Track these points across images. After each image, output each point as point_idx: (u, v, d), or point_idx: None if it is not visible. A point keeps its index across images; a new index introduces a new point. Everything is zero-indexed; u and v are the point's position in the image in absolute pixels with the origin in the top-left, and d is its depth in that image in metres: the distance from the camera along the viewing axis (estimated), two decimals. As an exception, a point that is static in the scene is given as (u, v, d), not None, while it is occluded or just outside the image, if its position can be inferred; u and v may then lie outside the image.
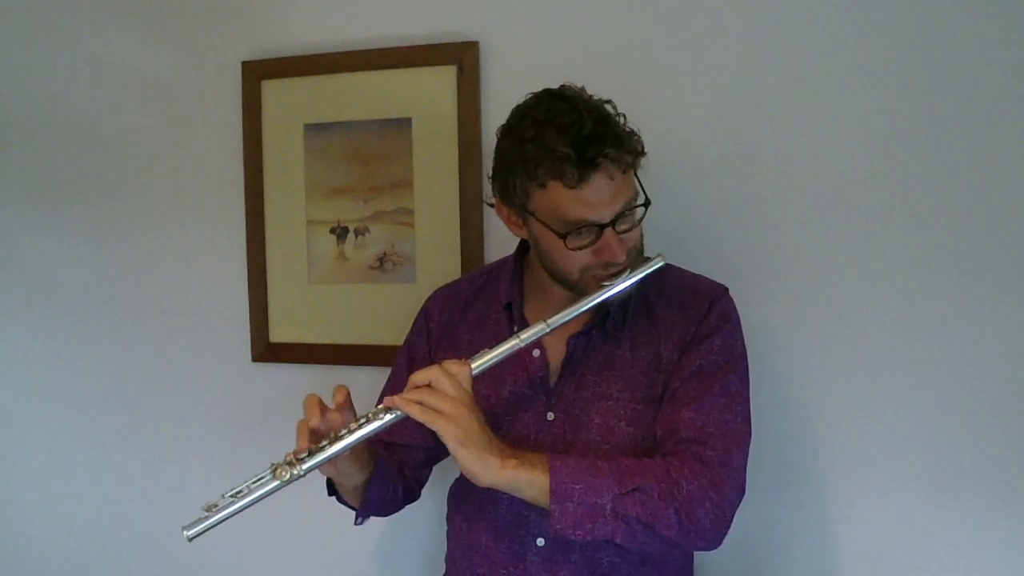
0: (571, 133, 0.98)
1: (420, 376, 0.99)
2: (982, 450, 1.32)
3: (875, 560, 1.38)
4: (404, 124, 1.54)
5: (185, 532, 0.96)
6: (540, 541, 1.11)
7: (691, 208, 1.40)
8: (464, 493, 1.20)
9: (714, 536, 1.00)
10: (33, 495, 1.86)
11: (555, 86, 1.09)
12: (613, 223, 1.01)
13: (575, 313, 1.04)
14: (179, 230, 1.71)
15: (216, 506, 0.97)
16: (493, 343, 1.07)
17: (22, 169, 1.79)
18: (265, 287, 1.65)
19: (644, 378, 1.10)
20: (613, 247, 1.02)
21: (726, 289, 1.16)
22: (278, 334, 1.65)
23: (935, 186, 1.31)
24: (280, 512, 1.00)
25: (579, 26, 1.44)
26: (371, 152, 1.56)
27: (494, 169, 1.09)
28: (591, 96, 1.05)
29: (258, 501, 0.98)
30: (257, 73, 1.61)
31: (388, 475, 1.18)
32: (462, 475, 0.99)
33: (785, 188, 1.38)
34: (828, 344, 1.37)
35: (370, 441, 1.02)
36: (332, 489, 1.18)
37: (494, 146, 1.09)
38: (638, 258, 1.07)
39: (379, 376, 1.39)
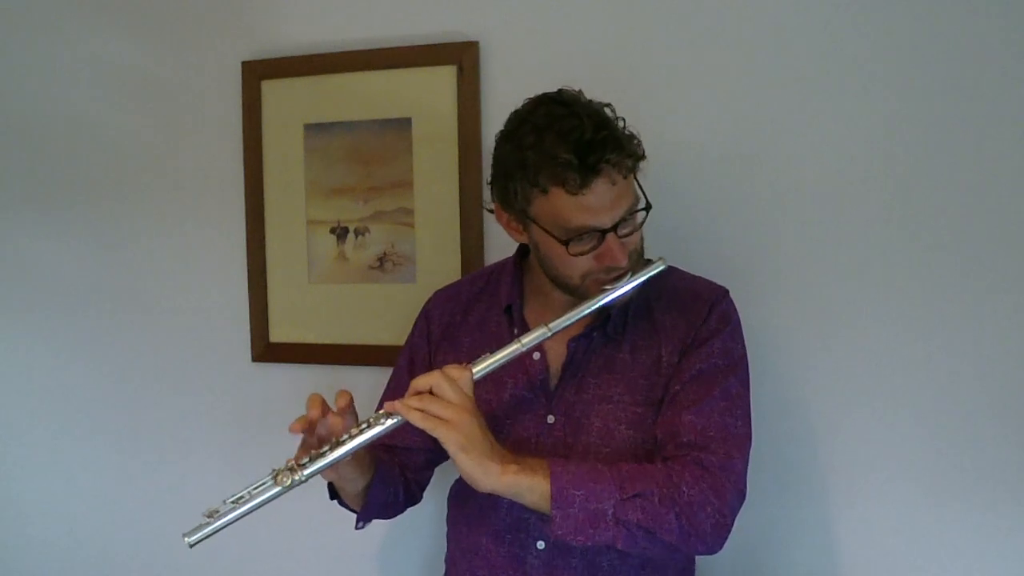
0: (572, 139, 0.98)
1: (421, 381, 0.99)
2: (982, 450, 1.32)
3: (875, 560, 1.38)
4: (404, 124, 1.54)
5: (186, 539, 0.96)
6: (540, 544, 1.11)
7: (691, 209, 1.40)
8: (464, 496, 1.20)
9: (715, 541, 1.00)
10: (33, 495, 1.86)
11: (555, 86, 1.09)
12: (615, 228, 1.01)
13: (576, 317, 1.04)
14: (179, 230, 1.71)
15: (217, 512, 0.97)
16: (493, 346, 1.06)
17: (22, 169, 1.79)
18: (265, 287, 1.65)
19: (644, 381, 1.10)
20: (615, 252, 1.02)
21: (726, 291, 1.16)
22: (278, 334, 1.65)
23: (935, 186, 1.31)
24: (281, 513, 1.00)
25: (579, 26, 1.44)
26: (371, 152, 1.56)
27: (493, 175, 1.08)
28: (590, 100, 1.04)
29: (259, 507, 0.98)
30: (257, 73, 1.61)
31: (389, 479, 1.18)
32: (462, 477, 0.99)
33: (785, 188, 1.38)
34: (828, 344, 1.37)
35: (371, 445, 1.02)
36: (334, 493, 1.18)
37: (493, 151, 1.08)
38: (639, 261, 1.07)
39: (379, 376, 1.39)
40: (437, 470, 1.30)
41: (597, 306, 1.04)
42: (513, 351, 1.02)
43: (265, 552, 1.68)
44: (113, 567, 1.81)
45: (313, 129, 1.59)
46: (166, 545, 1.74)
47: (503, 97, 1.46)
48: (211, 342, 1.70)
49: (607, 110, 1.04)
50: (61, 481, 1.83)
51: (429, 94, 1.51)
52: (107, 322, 1.77)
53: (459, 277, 1.49)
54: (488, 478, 0.96)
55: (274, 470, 0.99)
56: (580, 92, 1.06)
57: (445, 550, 1.27)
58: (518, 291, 1.18)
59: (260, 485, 0.98)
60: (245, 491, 0.98)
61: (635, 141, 1.03)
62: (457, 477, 1.23)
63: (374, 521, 1.21)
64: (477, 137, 1.49)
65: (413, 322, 1.29)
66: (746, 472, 1.05)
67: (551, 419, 1.12)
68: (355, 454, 1.02)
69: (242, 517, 0.97)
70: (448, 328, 1.23)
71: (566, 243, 1.02)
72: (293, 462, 0.99)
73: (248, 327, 1.67)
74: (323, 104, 1.58)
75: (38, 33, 1.75)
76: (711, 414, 1.04)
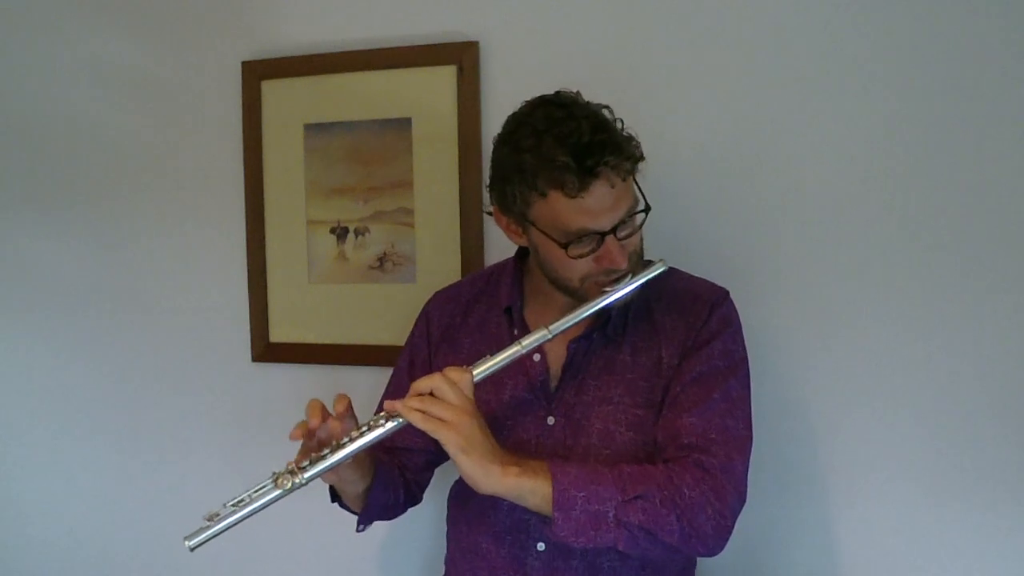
0: (569, 142, 0.97)
1: (422, 384, 0.99)
2: (982, 450, 1.32)
3: (875, 560, 1.38)
4: (404, 124, 1.54)
5: (187, 542, 0.96)
6: (540, 546, 1.10)
7: (690, 208, 1.40)
8: (465, 496, 1.20)
9: (716, 543, 1.00)
10: (33, 495, 1.86)
11: (555, 86, 1.09)
12: (614, 230, 1.01)
13: (576, 319, 1.04)
14: (179, 230, 1.71)
15: (218, 515, 0.97)
16: (493, 347, 1.06)
17: (22, 169, 1.79)
18: (265, 287, 1.65)
19: (645, 383, 1.10)
20: (614, 254, 1.01)
21: (727, 293, 1.15)
22: (278, 334, 1.65)
23: (935, 186, 1.31)
24: (281, 514, 1.00)
25: (579, 26, 1.44)
26: (371, 152, 1.56)
27: (491, 178, 1.08)
28: (587, 102, 1.04)
29: (260, 510, 0.98)
30: (257, 73, 1.61)
31: (389, 480, 1.18)
32: (462, 478, 0.99)
33: (785, 188, 1.37)
34: (828, 344, 1.37)
35: (371, 447, 1.02)
36: (334, 496, 1.18)
37: (491, 153, 1.08)
38: (639, 263, 1.07)
39: (379, 376, 1.39)
40: (437, 471, 1.29)
41: (597, 308, 1.04)
42: (513, 353, 1.02)
43: (265, 553, 1.68)
44: (113, 567, 1.81)
45: (313, 129, 1.59)
46: (166, 545, 1.74)
47: (503, 97, 1.46)
48: (211, 342, 1.70)
49: (605, 111, 1.04)
50: (61, 481, 1.83)
51: (429, 94, 1.51)
52: (107, 322, 1.77)
53: (459, 277, 1.49)
54: (489, 480, 0.96)
55: (274, 473, 0.98)
56: (578, 93, 1.05)
57: (445, 551, 1.27)
58: (518, 292, 1.18)
59: (260, 488, 0.98)
60: (245, 494, 0.98)
61: (633, 143, 1.03)
62: (457, 478, 1.23)
63: (374, 522, 1.21)
64: (477, 137, 1.49)
65: (413, 322, 1.29)
66: (747, 474, 1.05)
67: (551, 420, 1.12)
68: (355, 457, 1.01)
69: (242, 520, 0.97)
70: (448, 329, 1.23)
71: (565, 246, 1.01)
72: (293, 465, 0.99)
73: (248, 327, 1.67)
74: (323, 104, 1.58)
75: (38, 33, 1.75)
76: (712, 416, 1.04)
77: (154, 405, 1.75)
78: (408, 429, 0.99)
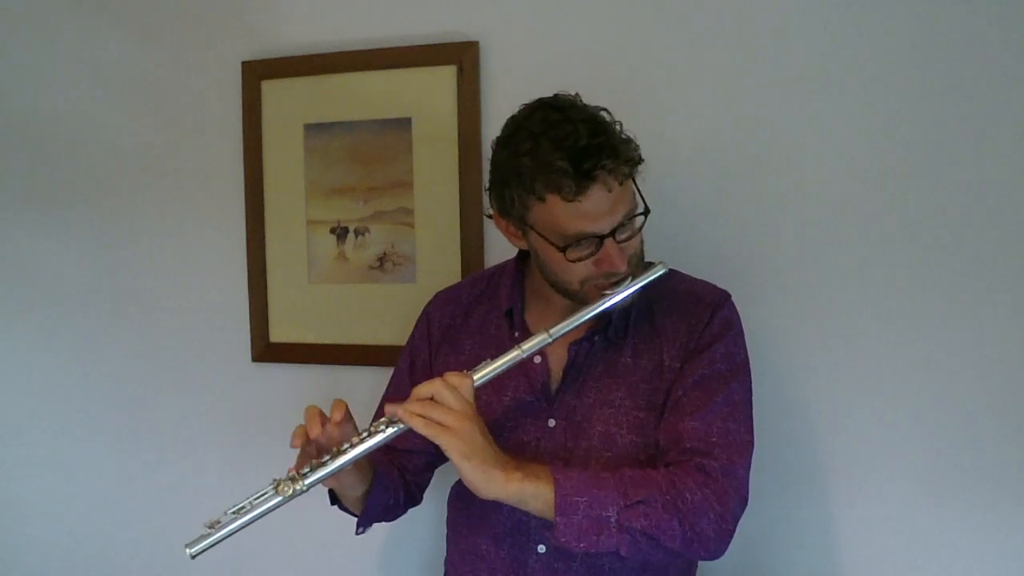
0: (566, 145, 0.97)
1: (422, 389, 0.99)
2: (982, 450, 1.32)
3: (875, 560, 1.38)
4: (404, 124, 1.54)
5: (188, 550, 0.96)
6: (541, 548, 1.10)
7: (690, 209, 1.40)
8: (465, 498, 1.20)
9: (717, 547, 1.00)
10: (33, 495, 1.85)
11: (556, 86, 1.08)
12: (613, 233, 1.01)
13: (577, 322, 1.03)
14: (179, 230, 1.71)
15: (219, 522, 0.97)
16: (494, 349, 1.06)
17: (22, 169, 1.79)
18: (265, 287, 1.65)
19: (646, 386, 1.09)
20: (614, 257, 1.01)
21: (728, 295, 1.15)
22: (278, 334, 1.65)
23: (935, 186, 1.31)
24: (281, 515, 1.00)
25: (579, 26, 1.44)
26: (371, 152, 1.56)
27: (491, 182, 1.08)
28: (586, 104, 1.04)
29: (261, 517, 0.98)
30: (257, 73, 1.61)
31: (388, 483, 1.17)
32: (462, 480, 0.99)
33: (785, 188, 1.37)
34: (828, 344, 1.37)
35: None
36: (334, 499, 1.18)
37: (491, 157, 1.08)
38: (639, 265, 1.07)
39: (379, 376, 1.39)
40: (437, 472, 1.29)
41: (597, 311, 1.04)
42: (514, 357, 1.02)
43: (265, 554, 1.68)
44: (113, 567, 1.81)
45: (313, 129, 1.59)
46: (166, 545, 1.74)
47: (503, 97, 1.46)
48: (211, 342, 1.70)
49: (604, 114, 1.03)
50: (61, 481, 1.83)
51: (429, 94, 1.51)
52: (107, 322, 1.77)
53: (459, 277, 1.49)
54: (491, 485, 0.96)
55: (275, 480, 0.99)
56: (577, 96, 1.05)
57: (445, 552, 1.27)
58: (519, 294, 1.18)
59: (261, 495, 0.98)
60: (246, 501, 0.98)
61: (632, 145, 1.02)
62: (457, 479, 1.23)
63: (374, 524, 1.21)
64: (477, 137, 1.49)
65: (413, 322, 1.29)
66: (748, 478, 1.05)
67: (552, 423, 1.12)
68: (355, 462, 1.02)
69: (244, 527, 0.97)
70: (448, 330, 1.23)
71: (563, 249, 1.01)
72: (294, 471, 0.99)
73: (248, 327, 1.67)
74: (323, 104, 1.58)
75: (38, 34, 1.75)
76: (714, 420, 1.04)
77: (154, 405, 1.75)
78: (408, 431, 0.99)
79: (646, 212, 1.05)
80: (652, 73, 1.41)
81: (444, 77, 1.50)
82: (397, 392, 1.24)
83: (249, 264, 1.65)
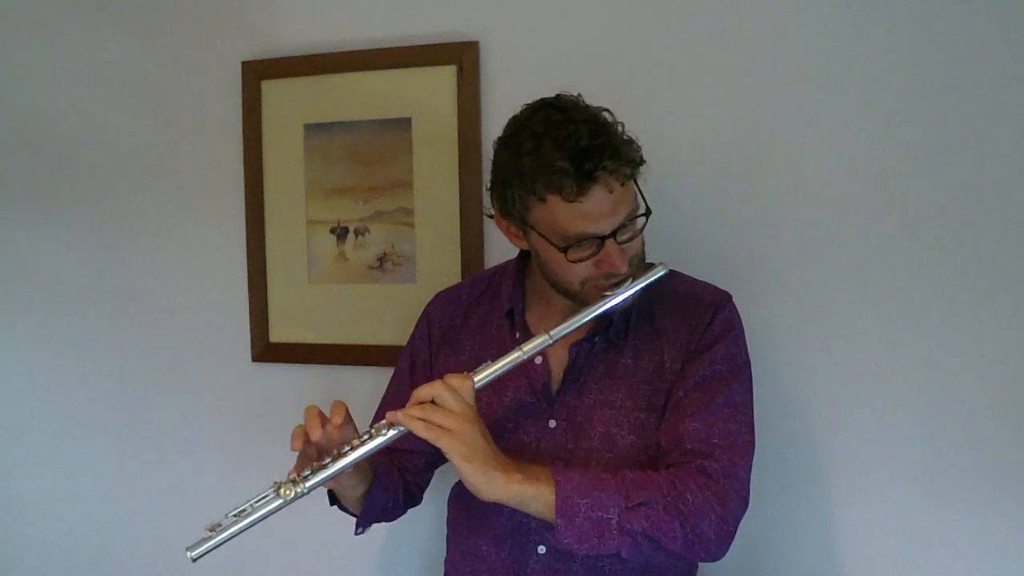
0: (568, 146, 0.97)
1: (423, 392, 0.99)
2: (982, 450, 1.32)
3: (875, 560, 1.38)
4: (404, 124, 1.54)
5: (189, 553, 0.96)
6: (541, 549, 1.10)
7: (690, 209, 1.40)
8: (466, 499, 1.19)
9: (718, 548, 1.00)
10: (33, 495, 1.85)
11: (555, 86, 1.08)
12: (614, 234, 1.01)
13: (577, 324, 1.03)
14: (179, 230, 1.71)
15: (220, 525, 0.97)
16: (494, 350, 1.06)
17: (22, 169, 1.79)
18: (265, 287, 1.65)
19: (647, 387, 1.09)
20: (614, 258, 1.01)
21: (729, 296, 1.15)
22: (278, 334, 1.65)
23: (935, 186, 1.31)
24: (281, 515, 1.00)
25: (579, 26, 1.44)
26: (371, 152, 1.56)
27: (492, 182, 1.08)
28: (588, 105, 1.03)
29: (262, 520, 0.98)
30: (257, 73, 1.61)
31: (388, 483, 1.17)
32: (462, 481, 0.98)
33: (785, 188, 1.37)
34: (828, 344, 1.37)
35: None
36: (333, 499, 1.18)
37: (492, 157, 1.08)
38: (640, 266, 1.07)
39: (379, 376, 1.39)
40: (437, 472, 1.29)
41: (598, 312, 1.03)
42: (515, 359, 1.02)
43: (266, 554, 1.68)
44: (113, 567, 1.81)
45: (313, 129, 1.59)
46: (166, 545, 1.74)
47: (503, 97, 1.47)
48: (211, 342, 1.70)
49: (606, 114, 1.03)
50: (61, 481, 1.83)
51: (429, 94, 1.51)
52: (107, 322, 1.77)
53: (459, 277, 1.49)
54: (492, 488, 0.96)
55: (276, 482, 0.99)
56: (579, 96, 1.05)
57: (445, 553, 1.27)
58: (520, 295, 1.18)
59: (262, 498, 0.98)
60: (247, 504, 0.98)
61: (634, 146, 1.02)
62: (458, 480, 1.23)
63: (373, 524, 1.21)
64: (477, 137, 1.49)
65: (413, 322, 1.29)
66: (749, 479, 1.05)
67: (552, 424, 1.12)
68: None
69: (245, 530, 0.97)
70: (449, 331, 1.23)
71: (564, 250, 1.01)
72: (295, 474, 0.99)
73: (248, 327, 1.66)
74: (323, 104, 1.58)
75: (38, 34, 1.75)
76: (715, 421, 1.04)
77: (154, 405, 1.75)
78: (409, 433, 0.99)
79: (647, 213, 1.04)
80: (652, 73, 1.41)
81: (444, 77, 1.50)
82: (397, 392, 1.24)
83: (249, 264, 1.65)
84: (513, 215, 1.06)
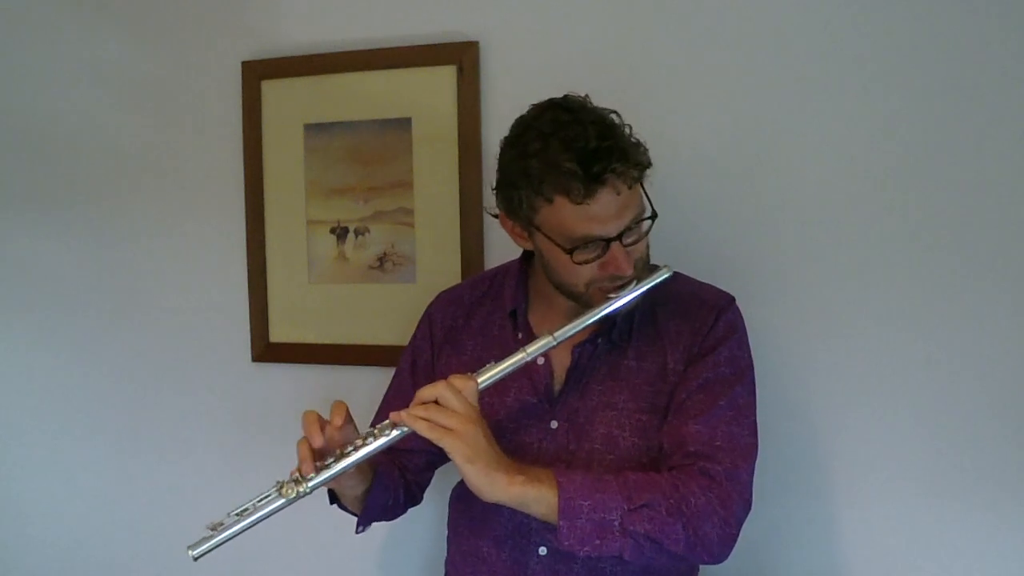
0: (576, 147, 0.96)
1: (426, 392, 0.99)
2: (982, 450, 1.32)
3: (875, 560, 1.38)
4: (404, 124, 1.54)
5: (190, 551, 0.96)
6: (542, 550, 1.10)
7: (690, 208, 1.40)
8: (467, 500, 1.19)
9: (721, 551, 1.00)
10: (33, 495, 1.85)
11: (555, 86, 1.08)
12: (620, 237, 1.00)
13: (581, 326, 1.03)
14: (179, 230, 1.71)
15: (221, 524, 0.97)
16: (496, 350, 1.06)
17: (23, 169, 1.79)
18: (265, 287, 1.65)
19: (649, 388, 1.09)
20: (620, 261, 1.01)
21: (732, 299, 1.15)
22: (278, 334, 1.65)
23: (935, 187, 1.31)
24: (281, 514, 1.00)
25: (579, 26, 1.44)
26: (371, 152, 1.56)
27: (497, 182, 1.07)
28: (595, 106, 1.03)
29: (264, 519, 0.98)
30: (257, 73, 1.61)
31: (388, 482, 1.17)
32: (464, 481, 0.98)
33: (785, 188, 1.37)
34: (828, 344, 1.37)
35: None
36: (333, 498, 1.18)
37: (496, 155, 1.07)
38: (644, 268, 1.06)
39: (379, 376, 1.39)
40: (437, 472, 1.29)
41: (602, 314, 1.03)
42: (518, 360, 1.02)
43: (266, 553, 1.68)
44: (113, 567, 1.81)
45: (313, 129, 1.59)
46: (166, 545, 1.74)
47: (503, 97, 1.47)
48: (211, 342, 1.70)
49: (613, 116, 1.02)
50: (61, 481, 1.83)
51: (429, 94, 1.51)
52: (107, 322, 1.77)
53: (459, 277, 1.49)
54: (494, 489, 0.96)
55: (278, 482, 0.99)
56: (586, 97, 1.04)
57: (445, 552, 1.27)
58: (523, 295, 1.17)
59: (264, 497, 0.98)
60: (250, 503, 0.98)
61: (641, 149, 1.02)
62: (459, 480, 1.23)
63: (374, 523, 1.21)
64: (477, 137, 1.49)
65: (412, 322, 1.29)
66: (752, 482, 1.05)
67: (554, 424, 1.11)
68: None
69: (247, 529, 0.97)
70: (451, 331, 1.23)
71: (570, 252, 1.01)
72: (298, 474, 0.99)
73: (248, 327, 1.66)
74: (323, 104, 1.58)
75: (38, 34, 1.75)
76: (717, 424, 1.04)
77: (154, 405, 1.75)
78: (411, 433, 0.99)
79: (653, 216, 1.04)
80: (652, 73, 1.41)
81: (444, 77, 1.50)
82: (398, 392, 1.24)
83: (249, 264, 1.65)
84: (519, 216, 1.05)
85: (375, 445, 0.99)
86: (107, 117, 1.73)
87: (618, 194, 0.98)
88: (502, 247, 1.41)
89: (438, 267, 1.53)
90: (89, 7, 1.72)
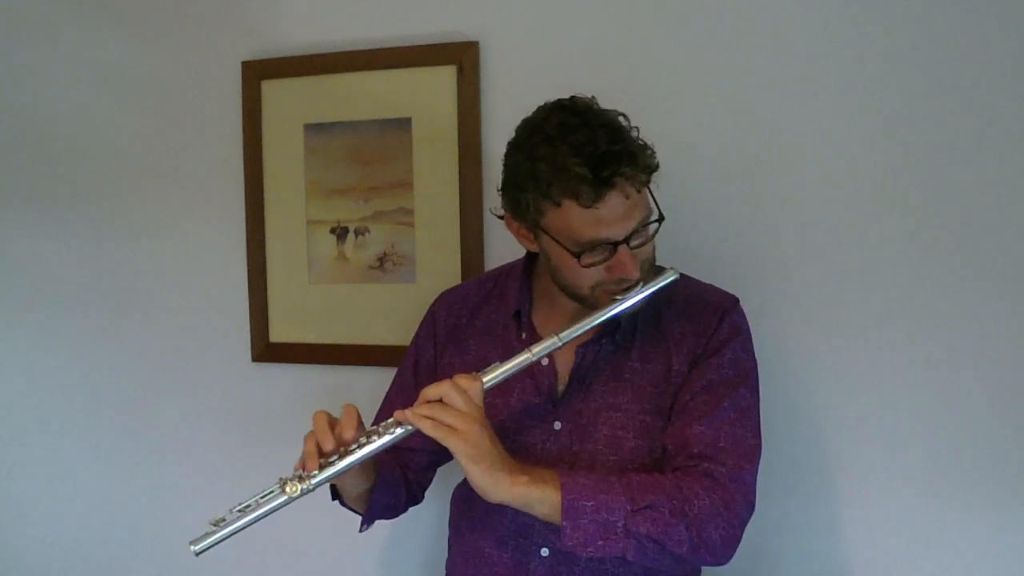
0: (585, 151, 0.96)
1: (431, 391, 0.99)
2: (982, 450, 1.32)
3: (875, 560, 1.38)
4: (404, 124, 1.54)
5: (192, 547, 0.96)
6: (544, 551, 1.10)
7: (690, 209, 1.40)
8: (469, 500, 1.19)
9: (724, 553, 1.00)
10: (33, 495, 1.85)
11: (555, 86, 1.08)
12: (627, 240, 1.00)
13: (586, 327, 1.03)
14: (179, 230, 1.71)
15: (224, 520, 0.97)
16: (500, 350, 1.06)
17: (23, 170, 1.79)
18: (265, 287, 1.65)
19: (653, 390, 1.09)
20: (627, 264, 1.01)
21: (737, 300, 1.15)
22: (278, 334, 1.65)
23: (935, 187, 1.31)
24: (282, 513, 1.00)
25: (579, 26, 1.44)
26: (371, 152, 1.56)
27: (504, 184, 1.07)
28: (602, 108, 1.03)
29: (266, 516, 0.98)
30: (257, 73, 1.61)
31: (392, 481, 1.17)
32: (466, 481, 0.98)
33: (785, 188, 1.37)
34: (828, 344, 1.37)
35: None
36: (335, 494, 1.18)
37: (497, 155, 1.07)
38: (650, 271, 1.06)
39: (379, 376, 1.39)
40: (439, 471, 1.29)
41: (607, 316, 1.03)
42: (523, 360, 1.02)
43: (267, 552, 1.68)
44: (113, 567, 1.81)
45: (313, 129, 1.59)
46: (166, 545, 1.74)
47: (503, 97, 1.47)
48: (211, 342, 1.70)
49: (621, 119, 1.02)
50: (61, 481, 1.83)
51: (429, 94, 1.51)
52: (107, 322, 1.77)
53: (459, 277, 1.50)
54: (498, 489, 0.96)
55: (281, 478, 0.99)
56: (593, 99, 1.04)
57: (446, 552, 1.27)
58: (527, 296, 1.17)
59: (267, 493, 0.98)
60: (252, 499, 0.98)
61: (649, 151, 1.01)
62: (460, 481, 1.23)
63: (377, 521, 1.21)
64: (477, 137, 1.49)
65: (412, 322, 1.29)
66: (755, 483, 1.05)
67: (558, 425, 1.11)
68: None
69: (249, 525, 0.97)
70: (454, 330, 1.22)
71: (578, 255, 1.00)
72: (302, 470, 0.99)
73: (248, 327, 1.67)
74: (323, 104, 1.58)
75: (38, 34, 1.75)
76: (721, 425, 1.04)
77: (154, 405, 1.75)
78: (415, 431, 0.99)
79: (660, 219, 1.04)
80: (652, 73, 1.41)
81: (444, 77, 1.50)
82: (401, 391, 1.24)
83: (249, 264, 1.65)
84: (525, 218, 1.05)
85: (379, 443, 1.00)
86: (107, 117, 1.73)
87: (627, 198, 0.98)
88: (502, 247, 1.42)
89: (438, 267, 1.53)
90: (89, 7, 1.72)
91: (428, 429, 0.96)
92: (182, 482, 1.74)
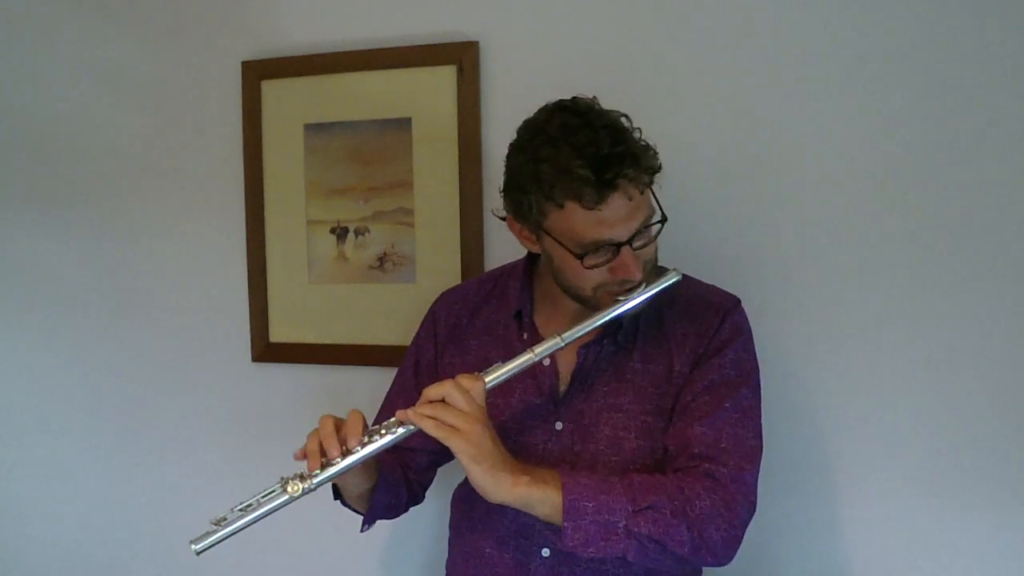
0: (588, 153, 0.96)
1: (433, 391, 0.99)
2: (982, 450, 1.32)
3: (875, 560, 1.38)
4: (404, 124, 1.54)
5: (193, 546, 0.96)
6: (545, 552, 1.10)
7: (690, 209, 1.40)
8: (470, 500, 1.19)
9: (725, 553, 1.00)
10: (33, 495, 1.86)
11: (555, 86, 1.08)
12: (630, 241, 1.00)
13: (589, 328, 1.03)
14: (179, 230, 1.71)
15: (225, 520, 0.97)
16: (501, 350, 1.06)
17: (23, 170, 1.79)
18: (265, 287, 1.65)
19: (654, 390, 1.09)
20: (629, 265, 1.00)
21: (738, 301, 1.15)
22: (278, 334, 1.65)
23: (935, 187, 1.31)
24: (283, 513, 1.00)
25: (579, 26, 1.44)
26: (371, 152, 1.56)
27: (505, 186, 1.06)
28: (605, 109, 1.02)
29: (267, 515, 0.98)
30: (257, 73, 1.61)
31: (393, 481, 1.17)
32: (467, 481, 0.98)
33: (785, 188, 1.37)
34: (828, 344, 1.37)
35: None
36: (337, 494, 1.18)
37: (497, 155, 1.07)
38: (653, 271, 1.06)
39: (379, 376, 1.40)
40: (439, 471, 1.29)
41: (610, 317, 1.03)
42: (525, 361, 1.02)
43: (267, 552, 1.68)
44: (113, 567, 1.81)
45: (313, 129, 1.59)
46: (166, 545, 1.74)
47: (503, 97, 1.47)
48: (211, 342, 1.70)
49: (623, 120, 1.02)
50: (61, 481, 1.83)
51: (429, 94, 1.51)
52: (107, 322, 1.77)
53: (459, 277, 1.50)
54: (499, 489, 0.96)
55: (283, 478, 0.99)
56: (595, 99, 1.04)
57: (446, 552, 1.27)
58: (528, 296, 1.17)
59: (269, 493, 0.98)
60: (253, 499, 0.98)
61: (651, 153, 1.01)
62: (461, 481, 1.23)
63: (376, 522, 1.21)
64: (477, 137, 1.49)
65: (413, 322, 1.29)
66: (757, 484, 1.05)
67: (559, 426, 1.11)
68: None
69: (250, 525, 0.97)
70: (454, 330, 1.22)
71: (580, 257, 1.00)
72: (304, 469, 0.99)
73: (248, 327, 1.67)
74: (323, 104, 1.58)
75: (38, 34, 1.75)
76: (723, 426, 1.04)
77: (154, 405, 1.75)
78: (417, 431, 0.99)
79: (663, 220, 1.03)
80: (652, 73, 1.41)
81: (444, 77, 1.50)
82: (401, 391, 1.24)
83: (249, 264, 1.65)
84: (528, 219, 1.05)
85: (381, 443, 1.00)
86: (107, 117, 1.73)
87: (630, 199, 0.98)
88: (502, 247, 1.42)
89: (438, 267, 1.53)
90: (89, 7, 1.72)
91: (430, 429, 0.96)
92: (182, 482, 1.74)
